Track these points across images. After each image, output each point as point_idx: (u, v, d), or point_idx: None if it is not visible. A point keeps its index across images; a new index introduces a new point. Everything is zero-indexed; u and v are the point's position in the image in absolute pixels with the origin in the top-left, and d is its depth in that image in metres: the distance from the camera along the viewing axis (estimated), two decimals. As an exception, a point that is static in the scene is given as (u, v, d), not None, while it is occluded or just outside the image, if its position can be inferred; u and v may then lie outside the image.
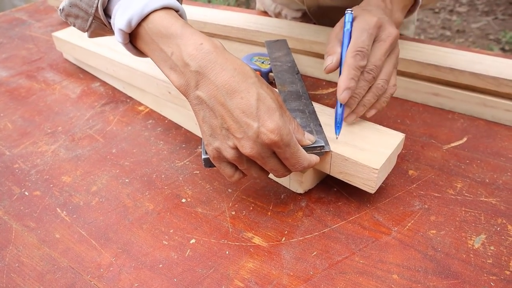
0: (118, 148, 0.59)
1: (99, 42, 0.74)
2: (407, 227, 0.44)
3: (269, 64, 0.66)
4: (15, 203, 0.51)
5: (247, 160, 0.41)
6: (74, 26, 0.47)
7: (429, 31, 2.75)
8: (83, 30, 0.47)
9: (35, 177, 0.54)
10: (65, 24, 1.05)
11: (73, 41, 0.77)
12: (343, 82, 0.45)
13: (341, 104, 0.46)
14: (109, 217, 0.48)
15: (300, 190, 0.49)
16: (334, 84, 0.71)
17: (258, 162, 0.40)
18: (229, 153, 0.40)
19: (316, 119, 0.49)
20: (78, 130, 0.63)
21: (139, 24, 0.42)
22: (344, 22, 0.47)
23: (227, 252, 0.43)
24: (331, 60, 0.47)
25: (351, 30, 0.46)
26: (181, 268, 0.41)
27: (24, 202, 0.51)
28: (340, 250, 0.42)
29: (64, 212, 0.49)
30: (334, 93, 0.68)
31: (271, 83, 0.67)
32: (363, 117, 0.50)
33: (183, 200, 0.49)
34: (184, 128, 0.63)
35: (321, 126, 0.48)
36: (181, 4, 0.49)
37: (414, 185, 0.50)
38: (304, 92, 0.53)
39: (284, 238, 0.44)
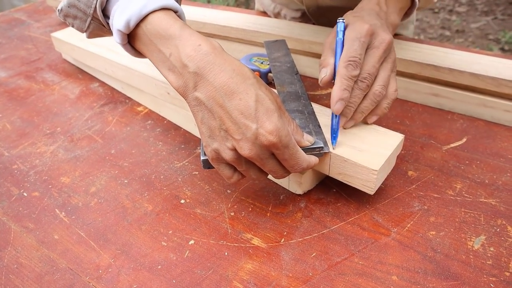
0: (117, 148, 0.59)
1: (98, 42, 0.73)
2: (406, 228, 0.44)
3: (268, 64, 0.66)
4: (14, 204, 0.51)
5: (245, 161, 0.41)
6: (72, 26, 0.47)
7: (429, 31, 2.75)
8: (82, 31, 0.47)
9: (33, 178, 0.54)
10: (64, 24, 1.04)
11: (72, 41, 0.77)
12: (336, 93, 0.44)
13: (336, 115, 0.46)
14: (108, 218, 0.48)
15: (299, 191, 0.49)
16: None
17: (257, 163, 0.40)
18: (227, 155, 0.40)
19: (315, 120, 0.49)
20: (77, 131, 0.63)
21: (137, 25, 0.41)
22: (336, 32, 0.47)
23: (226, 253, 0.43)
24: (325, 73, 0.47)
25: (343, 39, 0.46)
26: (180, 269, 0.41)
27: (22, 203, 0.50)
28: (339, 251, 0.42)
29: (63, 213, 0.49)
30: (333, 94, 0.68)
31: (270, 83, 0.67)
32: (364, 122, 0.50)
33: (182, 201, 0.49)
34: (183, 129, 0.62)
35: (320, 127, 0.48)
36: (180, 5, 0.49)
37: (414, 186, 0.49)
38: (303, 92, 0.53)
39: (283, 239, 0.44)
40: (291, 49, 0.70)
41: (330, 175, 0.47)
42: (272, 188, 0.51)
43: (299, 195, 0.49)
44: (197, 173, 0.54)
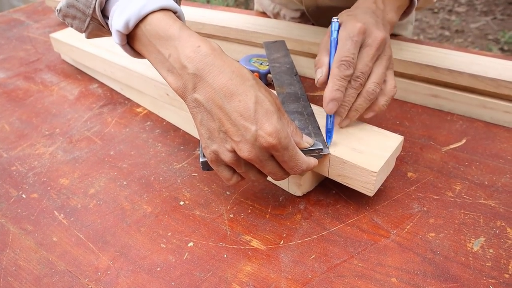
0: (116, 150, 0.59)
1: (97, 43, 0.73)
2: (406, 229, 0.44)
3: (268, 65, 0.66)
4: (13, 205, 0.50)
5: (245, 163, 0.41)
6: (71, 27, 0.47)
7: (428, 31, 2.75)
8: (81, 31, 0.46)
9: (32, 180, 0.54)
10: (63, 25, 1.04)
11: (71, 42, 0.76)
12: (328, 94, 0.45)
13: (330, 116, 0.46)
14: (107, 220, 0.48)
15: (298, 192, 0.49)
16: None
17: (256, 165, 0.40)
18: (227, 156, 0.40)
19: (315, 121, 0.49)
20: (75, 132, 0.63)
21: (136, 26, 0.41)
22: (331, 31, 0.47)
23: (225, 256, 0.43)
24: (320, 73, 0.47)
25: (337, 39, 0.46)
26: (179, 271, 0.41)
27: (21, 205, 0.50)
28: (338, 253, 0.42)
29: (62, 215, 0.49)
30: (332, 95, 0.68)
31: (270, 84, 0.67)
32: (361, 119, 0.50)
33: (181, 203, 0.49)
34: (182, 130, 0.62)
35: (319, 129, 0.48)
36: (179, 5, 0.49)
37: (413, 187, 0.49)
38: (303, 93, 0.53)
39: (282, 241, 0.44)
40: (291, 50, 0.70)
41: (329, 177, 0.47)
42: (272, 189, 0.50)
43: (299, 196, 0.49)
44: (196, 174, 0.53)
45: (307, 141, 0.43)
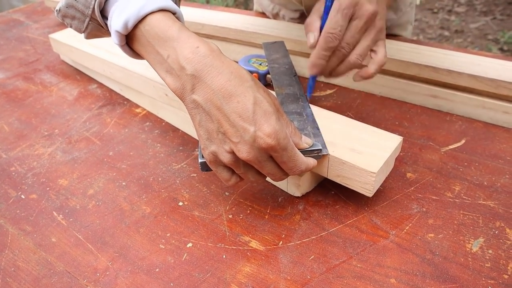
0: (115, 150, 0.59)
1: (96, 44, 0.73)
2: (405, 230, 0.44)
3: (267, 66, 0.66)
4: (11, 206, 0.50)
5: (244, 164, 0.41)
6: (70, 27, 0.47)
7: (428, 31, 2.75)
8: (80, 31, 0.46)
9: (31, 180, 0.54)
10: (62, 25, 1.04)
11: (70, 42, 0.76)
12: (312, 61, 0.49)
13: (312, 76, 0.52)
14: (106, 220, 0.47)
15: (297, 193, 0.49)
16: (332, 86, 0.71)
17: (255, 166, 0.40)
18: (225, 157, 0.40)
19: (314, 121, 0.49)
20: (75, 133, 0.63)
21: (135, 26, 0.41)
22: None
23: (224, 256, 0.43)
24: (313, 37, 0.50)
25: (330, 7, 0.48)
26: (177, 272, 0.41)
27: (20, 206, 0.50)
28: (337, 254, 0.42)
29: (61, 215, 0.49)
30: (332, 95, 0.68)
31: (269, 85, 0.67)
32: (360, 117, 0.49)
33: (180, 204, 0.49)
34: (181, 131, 0.62)
35: (318, 129, 0.48)
36: (178, 6, 0.49)
37: (412, 188, 0.49)
38: (302, 94, 0.53)
39: (281, 242, 0.44)
40: (290, 51, 0.70)
41: (328, 177, 0.47)
42: (271, 190, 0.50)
43: (298, 197, 0.49)
44: (195, 175, 0.53)
45: (306, 141, 0.43)
